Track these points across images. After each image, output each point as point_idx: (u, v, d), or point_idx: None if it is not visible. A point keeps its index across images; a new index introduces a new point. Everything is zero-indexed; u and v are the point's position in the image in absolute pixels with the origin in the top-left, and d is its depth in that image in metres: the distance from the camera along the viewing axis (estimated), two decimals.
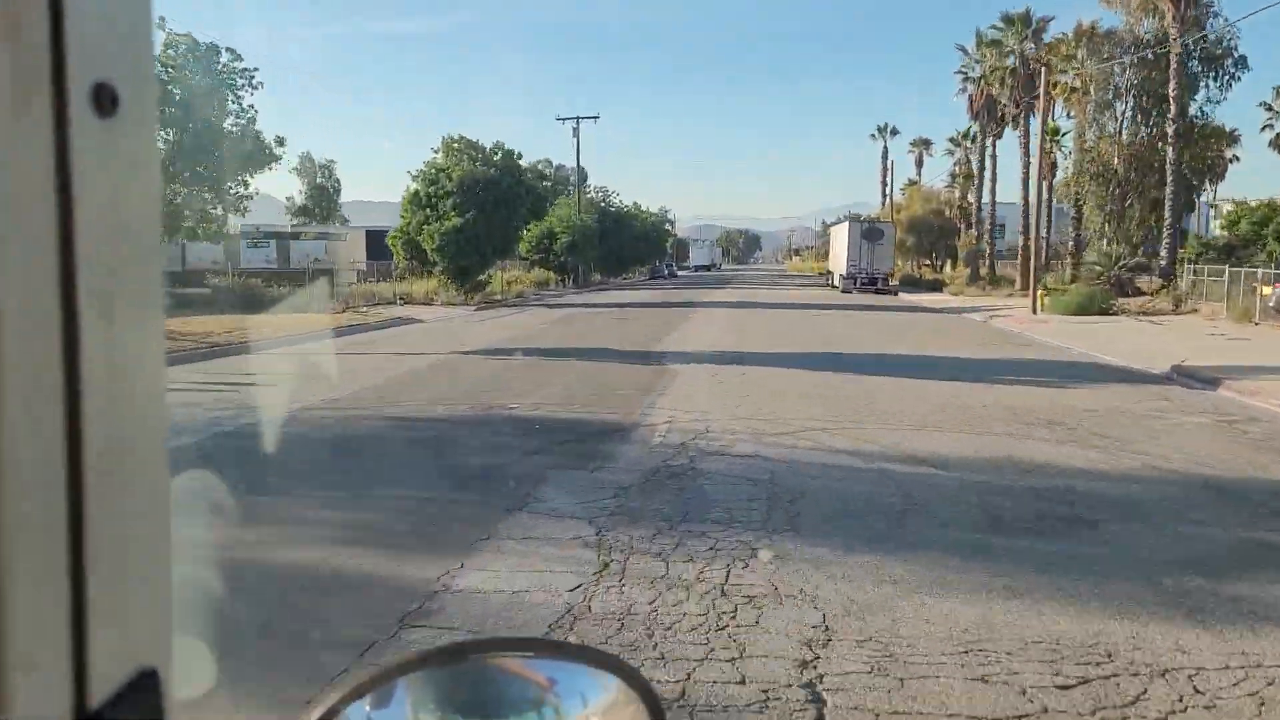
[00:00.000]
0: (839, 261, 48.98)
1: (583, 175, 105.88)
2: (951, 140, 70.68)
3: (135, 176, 0.50)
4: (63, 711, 0.46)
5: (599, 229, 62.95)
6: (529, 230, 59.31)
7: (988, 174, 52.26)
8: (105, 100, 0.47)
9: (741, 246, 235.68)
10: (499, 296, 40.82)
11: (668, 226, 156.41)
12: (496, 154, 38.40)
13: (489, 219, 36.06)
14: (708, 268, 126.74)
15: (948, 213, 69.74)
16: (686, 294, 46.50)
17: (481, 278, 38.68)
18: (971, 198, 70.46)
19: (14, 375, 0.42)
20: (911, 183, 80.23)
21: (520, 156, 38.90)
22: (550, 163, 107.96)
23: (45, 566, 0.44)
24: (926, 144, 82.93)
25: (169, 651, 0.53)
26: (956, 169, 69.07)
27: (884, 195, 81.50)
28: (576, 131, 57.59)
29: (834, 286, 54.47)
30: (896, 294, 45.73)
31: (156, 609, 0.52)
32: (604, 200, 67.22)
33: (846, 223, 47.68)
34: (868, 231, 46.05)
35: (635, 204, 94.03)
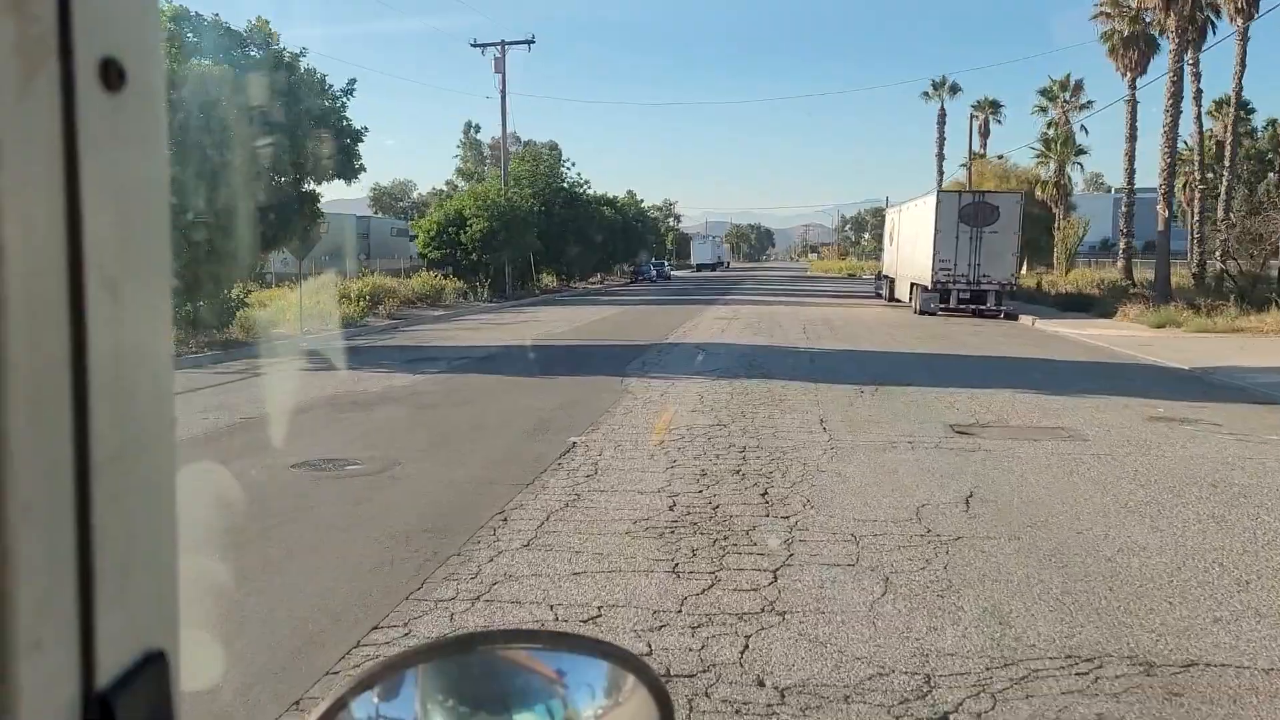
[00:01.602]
0: (915, 261, 29.56)
1: (556, 152, 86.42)
2: (1044, 93, 51.19)
3: (143, 152, 0.50)
4: (70, 692, 0.46)
5: (545, 215, 43.90)
6: (427, 216, 40.37)
7: (1141, 121, 32.58)
8: (113, 75, 0.46)
9: (753, 243, 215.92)
10: (287, 332, 21.46)
11: (671, 221, 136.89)
12: (258, 40, 19.03)
13: (210, 173, 16.79)
14: (713, 267, 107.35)
15: (1039, 194, 50.44)
16: (656, 316, 27.20)
17: (230, 294, 19.39)
18: (1071, 172, 51.29)
19: (22, 356, 0.42)
20: (976, 156, 60.70)
21: (304, 54, 19.46)
22: (518, 138, 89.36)
23: (53, 549, 0.44)
24: (994, 107, 63.29)
25: (176, 634, 0.53)
26: (1052, 131, 49.53)
27: (939, 173, 62.06)
28: (501, 63, 38.48)
29: (893, 300, 35.12)
30: (1015, 318, 26.43)
31: (163, 591, 0.52)
32: (550, 171, 47.55)
33: (932, 196, 28.22)
34: (972, 209, 26.63)
35: (630, 193, 74.62)
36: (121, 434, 0.48)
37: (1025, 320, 25.85)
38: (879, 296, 41.03)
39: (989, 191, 30.76)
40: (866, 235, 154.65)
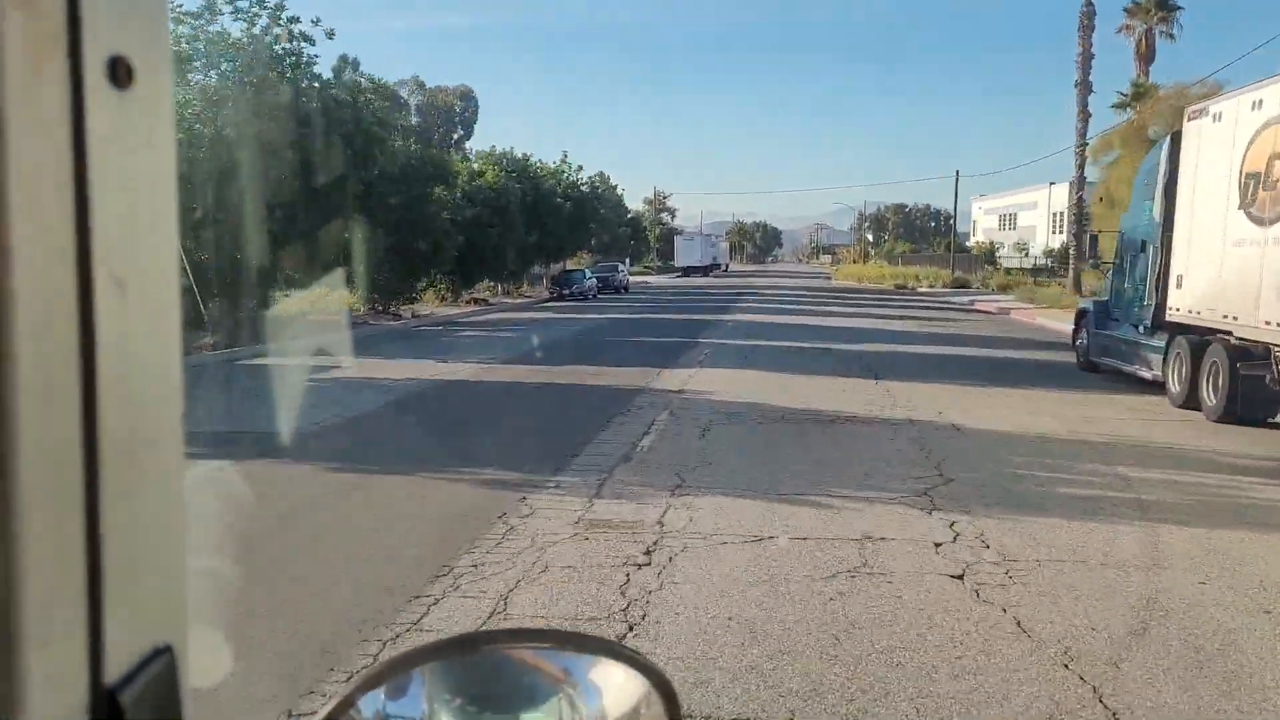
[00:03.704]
0: None
1: (469, 100, 60.72)
2: None
3: (151, 149, 0.50)
4: (79, 687, 0.46)
5: (301, 162, 18.29)
6: None
7: None
8: (121, 73, 0.46)
9: (758, 242, 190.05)
10: None
11: (665, 216, 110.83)
12: None
13: None
14: (705, 270, 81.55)
15: None
16: None
17: None
18: None
19: (31, 352, 0.42)
20: (1137, 90, 35.28)
21: None
22: (422, 84, 63.73)
23: (62, 544, 0.45)
24: (1166, 12, 37.87)
25: (184, 628, 0.53)
26: None
27: (1083, 116, 36.13)
28: None
29: (1255, 419, 9.39)
30: None
31: (171, 586, 0.52)
32: (349, 91, 20.98)
33: None
34: None
35: (566, 156, 49.08)
36: (129, 429, 0.48)
37: None
38: (1092, 368, 15.66)
39: None
40: (886, 235, 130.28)
